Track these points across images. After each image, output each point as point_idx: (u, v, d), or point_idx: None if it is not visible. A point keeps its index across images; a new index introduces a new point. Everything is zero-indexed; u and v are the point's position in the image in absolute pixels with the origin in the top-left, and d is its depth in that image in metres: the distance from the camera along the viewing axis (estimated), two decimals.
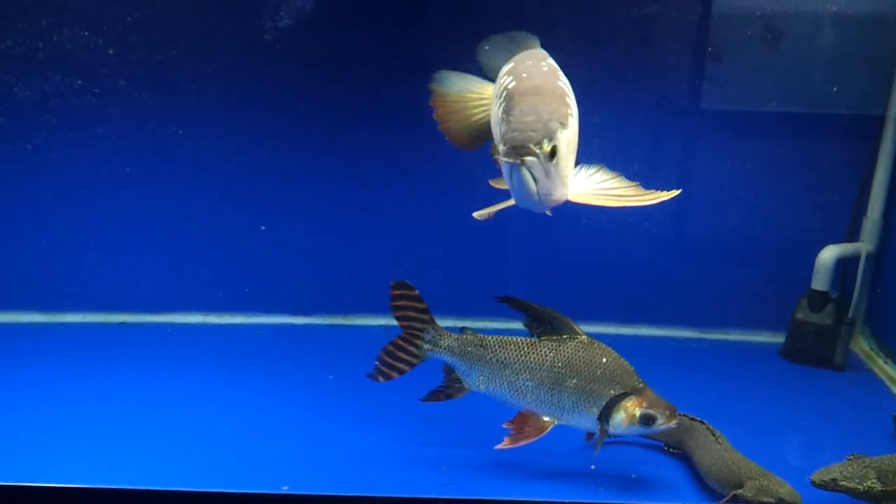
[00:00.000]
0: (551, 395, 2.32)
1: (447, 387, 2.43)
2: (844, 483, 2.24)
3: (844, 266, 3.38)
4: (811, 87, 3.31)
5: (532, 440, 2.33)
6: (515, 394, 2.35)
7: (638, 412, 2.28)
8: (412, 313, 2.38)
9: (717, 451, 2.43)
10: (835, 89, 3.29)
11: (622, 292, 3.46)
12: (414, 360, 2.39)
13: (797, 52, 3.27)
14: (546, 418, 2.35)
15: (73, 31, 3.20)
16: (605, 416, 2.30)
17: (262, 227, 3.49)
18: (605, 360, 2.31)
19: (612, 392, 2.29)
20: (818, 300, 3.32)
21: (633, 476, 2.51)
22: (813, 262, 3.33)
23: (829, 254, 3.31)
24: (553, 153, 1.97)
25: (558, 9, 3.26)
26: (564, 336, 2.34)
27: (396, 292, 2.38)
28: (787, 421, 2.93)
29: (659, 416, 2.29)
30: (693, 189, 3.43)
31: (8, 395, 2.94)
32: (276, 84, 3.29)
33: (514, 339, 2.36)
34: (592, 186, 2.13)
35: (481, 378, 2.37)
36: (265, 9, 3.19)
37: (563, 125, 2.03)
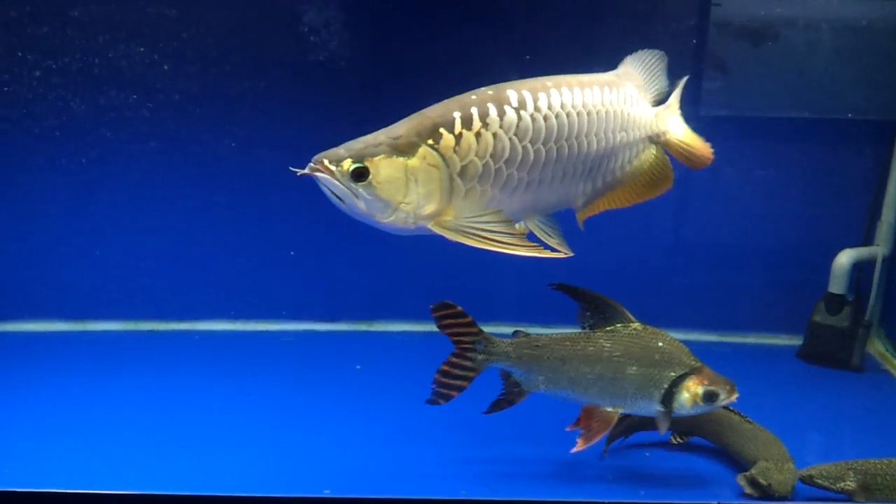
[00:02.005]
0: (613, 386, 2.36)
1: (508, 393, 2.45)
2: (819, 481, 2.41)
3: (860, 269, 3.47)
4: (826, 93, 3.42)
5: (604, 434, 2.38)
6: (577, 389, 2.38)
7: (701, 390, 2.35)
8: (460, 329, 2.38)
9: (751, 429, 2.58)
10: (850, 94, 3.41)
11: (639, 296, 3.45)
12: (471, 374, 2.38)
13: (813, 57, 3.38)
14: (609, 409, 2.39)
15: (129, 47, 3.29)
16: (667, 398, 2.36)
17: (292, 253, 3.55)
18: (661, 343, 2.37)
19: (672, 374, 2.35)
20: (835, 303, 3.42)
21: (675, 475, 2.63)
22: (828, 266, 3.42)
23: (845, 257, 3.41)
24: (359, 174, 2.06)
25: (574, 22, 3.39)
26: (618, 325, 2.38)
27: (438, 314, 2.38)
28: (805, 421, 3.00)
29: (721, 391, 2.36)
30: (711, 193, 3.53)
31: (37, 404, 2.98)
32: (324, 98, 3.38)
33: (569, 334, 2.40)
34: (464, 223, 2.16)
35: (541, 378, 2.39)
36: (317, 25, 3.28)
37: (402, 153, 2.09)
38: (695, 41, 3.38)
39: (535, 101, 2.21)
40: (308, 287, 3.70)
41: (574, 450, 2.37)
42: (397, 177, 2.09)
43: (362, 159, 2.07)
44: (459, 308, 2.36)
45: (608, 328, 2.38)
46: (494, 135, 2.15)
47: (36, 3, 3.21)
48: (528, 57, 3.33)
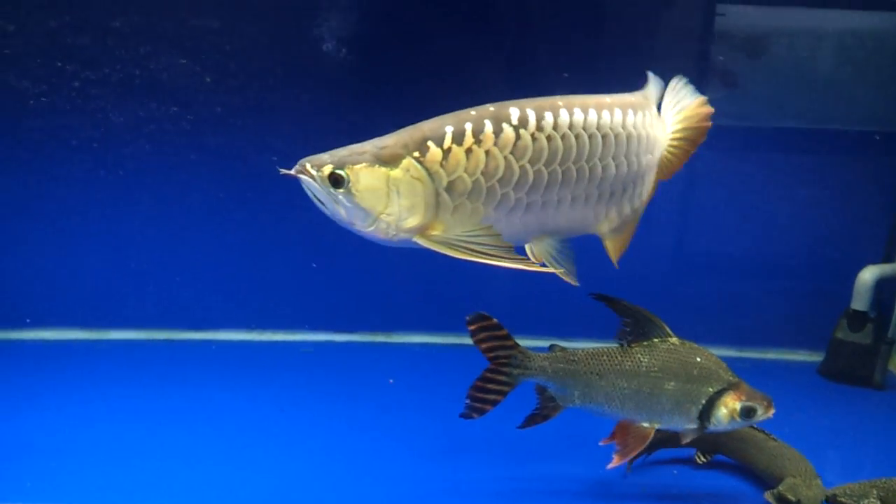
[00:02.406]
0: (650, 401, 2.35)
1: (543, 408, 2.43)
2: (844, 500, 2.39)
3: (883, 286, 3.47)
4: (851, 106, 3.43)
5: (640, 450, 2.36)
6: (613, 404, 2.37)
7: (739, 406, 2.34)
8: (495, 343, 2.35)
9: (776, 447, 2.58)
10: (873, 108, 3.42)
11: (660, 310, 3.52)
12: (506, 389, 2.36)
13: (837, 69, 3.39)
14: (645, 424, 2.38)
15: (170, 59, 3.27)
16: (704, 414, 2.35)
17: (314, 265, 3.53)
18: (699, 359, 2.36)
19: (710, 390, 2.34)
20: (858, 320, 3.43)
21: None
22: (850, 282, 3.43)
23: (868, 274, 3.42)
24: (336, 181, 2.08)
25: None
26: (655, 339, 2.37)
27: (474, 326, 2.35)
28: (827, 439, 3.01)
29: (759, 407, 2.35)
30: (732, 209, 3.54)
31: (54, 413, 2.97)
32: (366, 115, 3.36)
33: (606, 348, 2.38)
34: (452, 237, 2.15)
35: (576, 393, 2.38)
36: (361, 40, 3.28)
37: (386, 163, 2.09)
38: (716, 52, 3.39)
39: (539, 119, 2.17)
40: (326, 297, 3.70)
41: (610, 465, 2.36)
42: (378, 187, 2.09)
43: (343, 166, 2.08)
44: (495, 320, 2.34)
45: (645, 343, 2.37)
46: (487, 152, 2.12)
47: (76, 13, 3.20)
48: (566, 75, 3.32)
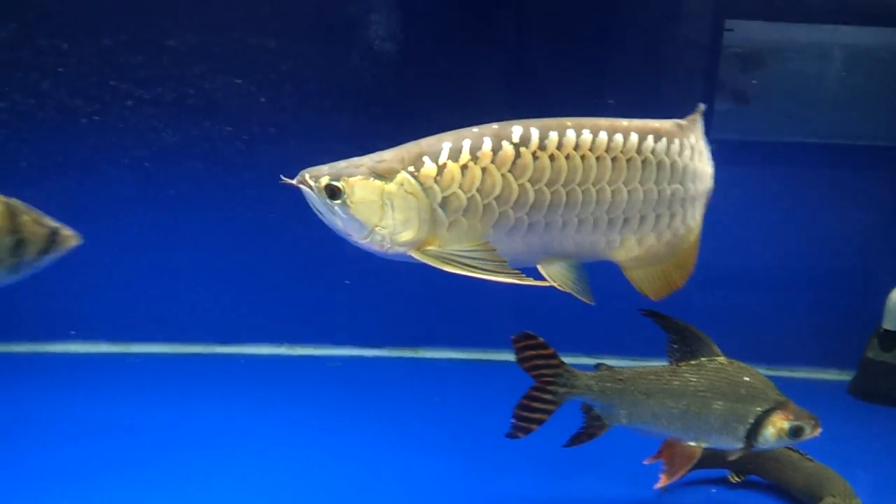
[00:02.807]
0: (698, 421, 2.34)
1: (589, 426, 2.42)
2: None
3: None
4: (881, 121, 3.47)
5: (687, 470, 2.36)
6: (660, 423, 2.37)
7: (787, 425, 2.34)
8: (541, 361, 2.34)
9: (812, 467, 2.58)
10: None
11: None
12: (552, 408, 2.35)
13: (864, 84, 3.44)
14: (692, 444, 2.37)
15: (225, 79, 3.29)
16: (752, 433, 2.35)
17: (347, 282, 3.52)
18: (747, 378, 2.36)
19: (758, 409, 2.34)
20: (889, 340, 3.43)
21: None
22: (880, 300, 3.43)
23: None
24: (332, 192, 2.10)
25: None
26: (703, 359, 2.37)
27: (520, 345, 2.34)
28: (857, 459, 3.01)
29: (806, 426, 2.36)
30: (761, 225, 3.56)
31: (81, 426, 2.98)
32: (417, 135, 3.38)
33: (654, 368, 2.38)
34: (447, 252, 2.14)
35: (623, 412, 2.37)
36: (416, 64, 3.31)
37: (381, 177, 2.11)
38: (748, 66, 3.40)
39: (543, 139, 2.14)
40: (354, 313, 3.72)
41: (658, 485, 2.36)
42: (372, 199, 2.11)
43: (339, 178, 2.11)
44: (541, 339, 2.33)
45: (693, 362, 2.37)
46: (484, 169, 2.11)
47: (132, 32, 3.22)
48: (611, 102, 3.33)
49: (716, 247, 3.54)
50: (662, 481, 2.36)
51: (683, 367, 2.37)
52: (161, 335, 3.70)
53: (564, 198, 2.16)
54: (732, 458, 2.42)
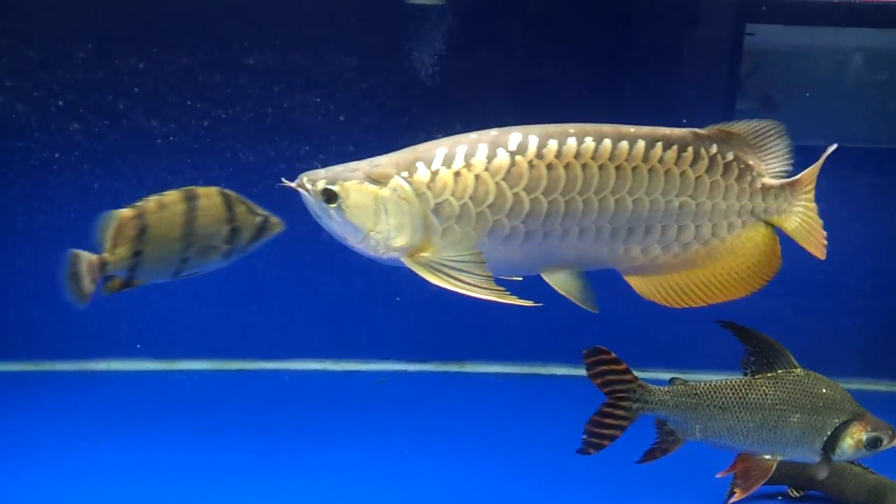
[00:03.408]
0: (774, 434, 2.33)
1: (662, 442, 2.39)
2: None
3: None
4: None
5: (762, 483, 2.35)
6: (736, 437, 2.35)
7: (864, 437, 2.34)
8: (613, 377, 2.32)
9: (876, 479, 2.59)
10: None
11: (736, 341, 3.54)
12: (625, 423, 2.33)
13: None
14: (767, 457, 2.36)
15: (304, 97, 3.28)
16: (830, 445, 2.34)
17: (398, 298, 3.54)
18: (824, 390, 2.35)
19: (835, 421, 2.33)
20: None
21: None
22: None
23: None
24: (329, 197, 2.12)
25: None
26: (779, 371, 2.35)
27: (592, 360, 2.32)
28: None
29: (885, 437, 2.35)
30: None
31: (127, 445, 2.99)
32: None
33: (729, 381, 2.36)
34: (436, 261, 2.13)
35: (698, 427, 2.35)
36: (494, 80, 3.29)
37: (375, 182, 2.12)
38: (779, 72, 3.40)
39: (541, 147, 2.11)
40: (399, 327, 3.72)
41: (733, 500, 2.34)
42: (366, 204, 2.11)
43: (335, 182, 2.13)
44: (613, 354, 2.31)
45: (770, 374, 2.35)
46: (477, 177, 2.10)
47: (209, 51, 3.21)
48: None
49: None
50: (738, 495, 2.34)
51: (760, 380, 2.36)
52: (206, 352, 3.69)
53: (563, 207, 2.13)
54: (822, 475, 2.40)
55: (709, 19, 3.37)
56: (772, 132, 2.30)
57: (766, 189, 2.28)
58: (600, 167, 2.13)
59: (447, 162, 2.10)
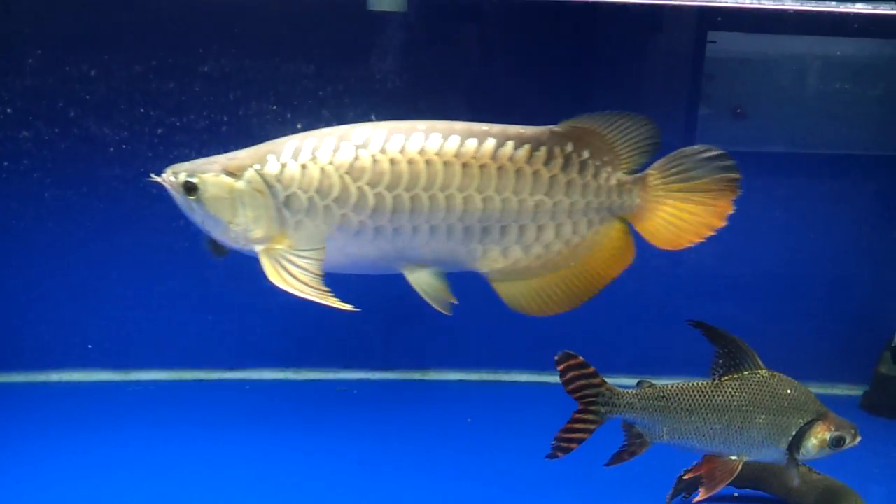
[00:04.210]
0: (740, 435, 2.35)
1: (630, 444, 2.40)
2: None
3: None
4: (886, 131, 3.49)
5: (726, 484, 2.36)
6: (703, 439, 2.37)
7: (828, 436, 2.37)
8: (583, 381, 2.33)
9: (820, 479, 2.62)
10: None
11: (698, 342, 3.55)
12: (592, 427, 2.34)
13: (884, 94, 3.46)
14: (734, 458, 2.37)
15: (259, 105, 3.25)
16: (794, 445, 2.36)
17: (358, 309, 3.47)
18: (789, 391, 2.38)
19: (800, 421, 2.36)
20: None
21: None
22: (892, 316, 3.48)
23: None
24: (189, 188, 2.15)
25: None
26: (745, 372, 2.37)
27: (563, 366, 2.32)
28: (870, 474, 3.02)
29: (847, 436, 2.39)
30: (771, 238, 3.56)
31: (84, 457, 2.94)
32: None
33: (696, 383, 2.37)
34: (284, 255, 2.16)
35: (665, 429, 2.37)
36: (455, 84, 3.28)
37: (231, 174, 2.15)
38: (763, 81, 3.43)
39: (385, 142, 2.13)
40: (361, 335, 3.68)
41: (697, 499, 2.36)
42: (223, 196, 2.14)
43: (194, 174, 2.15)
44: (581, 359, 2.32)
45: (736, 376, 2.36)
46: (322, 170, 2.12)
47: (162, 58, 3.17)
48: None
49: (724, 259, 3.59)
50: (702, 495, 2.35)
51: (726, 382, 2.37)
52: (163, 361, 3.64)
53: (408, 203, 2.14)
54: (794, 484, 2.44)
55: (671, 27, 3.39)
56: (629, 125, 2.28)
57: (620, 185, 2.27)
58: (445, 164, 2.13)
59: (295, 155, 2.13)
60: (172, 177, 2.16)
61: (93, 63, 3.17)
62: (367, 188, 2.12)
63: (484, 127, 2.18)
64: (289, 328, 3.65)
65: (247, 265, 3.45)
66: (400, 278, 3.59)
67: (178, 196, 2.17)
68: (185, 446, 3.04)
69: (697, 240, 2.29)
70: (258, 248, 2.16)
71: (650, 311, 3.58)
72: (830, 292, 3.61)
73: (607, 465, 2.41)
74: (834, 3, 3.10)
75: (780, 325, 3.64)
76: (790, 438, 2.36)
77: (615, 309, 3.58)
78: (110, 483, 2.78)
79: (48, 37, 3.16)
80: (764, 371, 2.39)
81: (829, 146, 3.50)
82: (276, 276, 2.12)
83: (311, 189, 2.12)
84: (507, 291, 2.31)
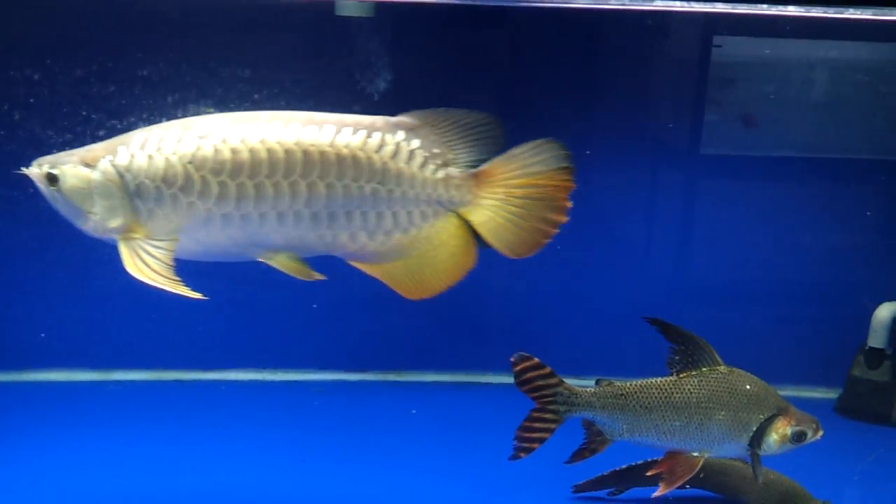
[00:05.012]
0: (700, 432, 2.35)
1: (590, 442, 2.41)
2: None
3: None
4: (866, 136, 3.48)
5: (686, 479, 2.36)
6: (663, 436, 2.37)
7: (789, 431, 2.37)
8: (540, 382, 2.34)
9: (772, 480, 2.60)
10: (891, 138, 3.47)
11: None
12: (553, 426, 2.35)
13: (853, 98, 3.45)
14: (695, 454, 2.38)
15: (197, 109, 3.20)
16: (755, 440, 2.36)
17: (314, 305, 3.51)
18: (748, 386, 2.37)
19: (760, 417, 2.36)
20: (875, 357, 3.45)
21: None
22: (867, 319, 3.45)
23: (885, 311, 3.44)
24: (51, 179, 2.19)
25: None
26: (703, 369, 2.37)
27: (519, 367, 2.34)
28: (844, 477, 3.01)
29: (809, 431, 2.39)
30: (747, 241, 3.57)
31: (62, 456, 2.94)
32: None
33: (655, 381, 2.38)
34: (141, 244, 2.18)
35: (625, 427, 2.37)
36: (396, 91, 3.26)
37: (87, 165, 2.18)
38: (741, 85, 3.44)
39: (227, 132, 2.16)
40: (338, 336, 3.67)
41: (656, 494, 2.36)
42: (81, 186, 2.18)
43: (55, 165, 2.19)
44: (537, 360, 2.34)
45: (694, 373, 2.36)
46: (167, 160, 2.15)
47: (103, 63, 3.20)
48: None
49: (700, 263, 3.60)
50: (661, 490, 2.36)
51: (684, 379, 2.37)
52: (142, 362, 3.65)
53: (253, 191, 2.15)
54: (759, 480, 2.43)
55: (676, 32, 3.41)
56: (468, 122, 2.29)
57: (448, 179, 2.27)
58: (286, 152, 2.15)
59: (143, 146, 2.16)
60: (37, 168, 2.21)
61: (36, 67, 3.21)
62: (210, 177, 2.14)
63: (323, 116, 2.22)
64: (266, 330, 3.65)
65: (223, 268, 3.50)
66: (374, 282, 3.65)
67: (43, 187, 2.21)
68: (161, 446, 3.05)
69: (543, 240, 2.29)
70: (116, 237, 2.19)
71: (627, 315, 3.58)
72: (808, 297, 3.62)
73: (568, 462, 2.43)
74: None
75: (759, 329, 3.65)
76: (751, 434, 2.36)
77: (595, 313, 3.63)
78: (88, 481, 2.79)
79: None
80: (722, 367, 2.38)
81: (804, 150, 3.51)
82: (132, 265, 2.15)
83: (158, 179, 2.15)
84: (371, 272, 2.34)
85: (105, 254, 3.39)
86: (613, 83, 3.47)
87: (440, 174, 2.26)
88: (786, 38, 3.36)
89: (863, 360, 3.46)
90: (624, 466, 2.71)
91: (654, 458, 2.59)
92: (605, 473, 2.74)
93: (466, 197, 2.27)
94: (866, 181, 3.54)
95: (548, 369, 2.34)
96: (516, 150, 2.27)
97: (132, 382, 3.62)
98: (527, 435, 2.35)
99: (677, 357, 2.38)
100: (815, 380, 3.66)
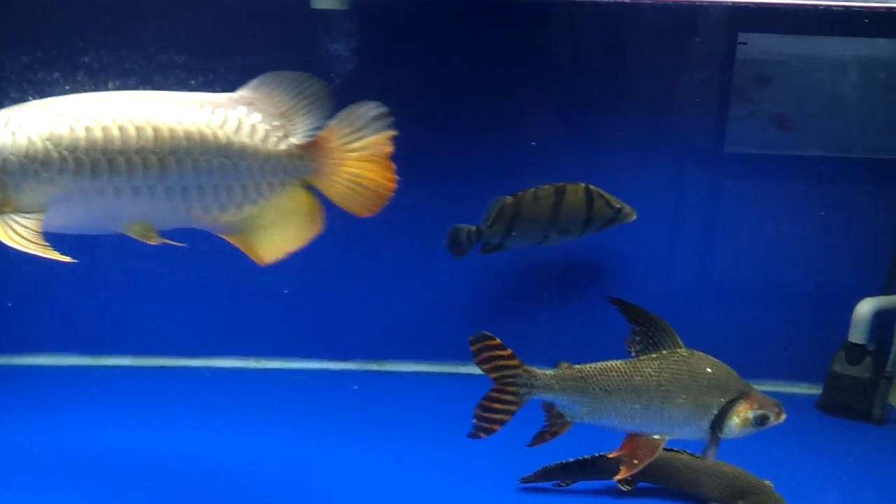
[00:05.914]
0: (661, 415, 2.33)
1: (551, 425, 2.40)
2: None
3: (882, 319, 3.46)
4: (850, 134, 3.46)
5: (647, 462, 2.34)
6: (623, 418, 2.36)
7: (751, 415, 2.34)
8: (500, 362, 2.34)
9: (708, 466, 2.60)
10: (874, 137, 3.44)
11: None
12: (513, 408, 2.34)
13: (838, 98, 3.43)
14: (656, 436, 2.36)
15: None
16: (717, 423, 2.34)
17: (285, 291, 3.58)
18: (709, 370, 2.35)
19: (722, 400, 2.34)
20: (856, 353, 3.42)
21: None
22: (849, 315, 3.42)
23: (866, 307, 3.41)
24: None
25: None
26: (664, 352, 2.35)
27: (477, 346, 2.34)
28: (825, 474, 3.00)
29: (771, 414, 2.36)
30: (730, 238, 3.56)
31: (48, 440, 2.97)
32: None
33: (614, 364, 2.36)
34: (9, 220, 2.21)
35: (585, 409, 2.36)
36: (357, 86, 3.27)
37: None
38: (721, 79, 3.42)
39: (81, 109, 2.22)
40: (320, 326, 3.70)
41: (618, 477, 2.36)
42: None
43: None
44: (498, 340, 2.34)
45: (654, 355, 2.35)
46: (28, 137, 2.18)
47: (47, 49, 3.25)
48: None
49: (682, 259, 3.59)
50: (622, 473, 2.35)
51: (645, 361, 2.36)
52: (127, 347, 3.68)
53: (107, 166, 2.20)
54: (711, 455, 2.40)
55: (701, 29, 3.40)
56: (300, 91, 2.36)
57: (291, 150, 2.34)
58: (137, 129, 2.21)
59: (6, 123, 2.20)
60: None
61: None
62: (66, 153, 2.19)
63: (172, 94, 2.28)
64: (250, 318, 3.68)
65: (211, 255, 3.52)
66: (365, 271, 3.67)
67: None
68: (145, 430, 3.09)
69: (384, 200, 2.38)
70: None
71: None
72: (790, 293, 3.59)
73: (529, 445, 2.42)
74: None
75: (741, 325, 3.62)
76: (712, 417, 2.34)
77: (581, 304, 3.62)
78: (74, 464, 2.82)
79: None
80: (683, 350, 2.36)
81: (790, 149, 3.49)
82: (4, 234, 2.17)
83: (21, 154, 2.18)
84: (240, 244, 2.40)
85: (92, 240, 3.45)
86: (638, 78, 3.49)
87: (282, 146, 2.34)
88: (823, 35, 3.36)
89: (843, 356, 3.44)
90: (571, 460, 2.73)
91: (603, 454, 2.68)
92: (550, 465, 2.75)
93: (310, 165, 2.36)
94: (844, 178, 3.52)
95: (508, 351, 2.33)
96: (349, 114, 2.35)
97: (118, 368, 3.66)
98: (486, 415, 2.35)
99: (637, 338, 2.37)
100: (797, 376, 3.64)
